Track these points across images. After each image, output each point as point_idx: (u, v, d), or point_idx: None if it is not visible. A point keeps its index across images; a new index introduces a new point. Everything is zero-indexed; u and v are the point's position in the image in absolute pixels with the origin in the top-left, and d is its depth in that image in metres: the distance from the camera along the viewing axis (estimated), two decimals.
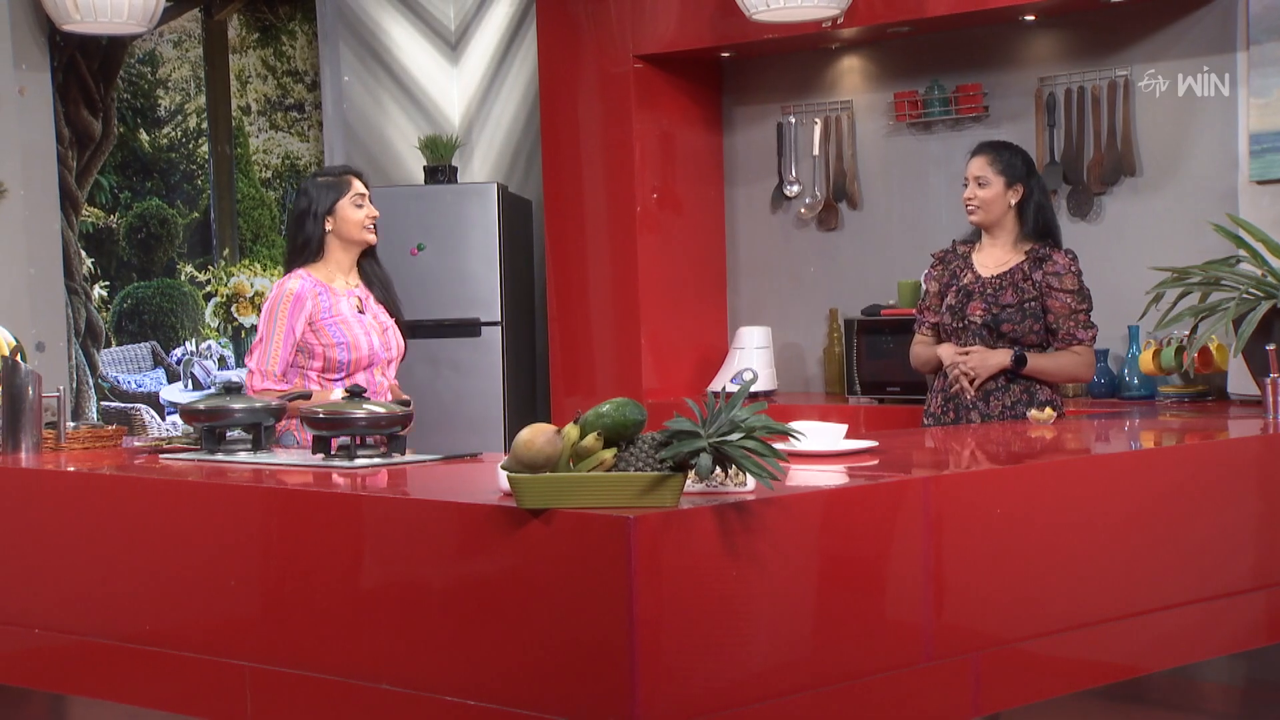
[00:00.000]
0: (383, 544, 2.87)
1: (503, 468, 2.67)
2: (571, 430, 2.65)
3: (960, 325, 4.56)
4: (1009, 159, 4.59)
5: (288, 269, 4.43)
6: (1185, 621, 3.57)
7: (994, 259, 4.60)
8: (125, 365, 6.87)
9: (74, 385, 6.67)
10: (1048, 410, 4.25)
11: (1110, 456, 3.75)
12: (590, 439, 2.62)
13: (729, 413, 2.58)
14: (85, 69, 6.74)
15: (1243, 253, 4.39)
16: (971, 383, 4.47)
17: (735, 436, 2.57)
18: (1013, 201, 4.57)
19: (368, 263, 4.47)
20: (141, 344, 6.90)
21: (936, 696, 3.02)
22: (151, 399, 6.95)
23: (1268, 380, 4.10)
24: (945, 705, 3.07)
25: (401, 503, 2.95)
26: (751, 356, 6.14)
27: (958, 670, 3.04)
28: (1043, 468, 3.48)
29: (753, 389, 6.06)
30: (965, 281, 4.58)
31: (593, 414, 2.64)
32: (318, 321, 4.27)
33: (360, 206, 4.40)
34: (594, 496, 2.59)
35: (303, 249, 4.40)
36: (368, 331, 4.36)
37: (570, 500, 2.59)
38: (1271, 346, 4.12)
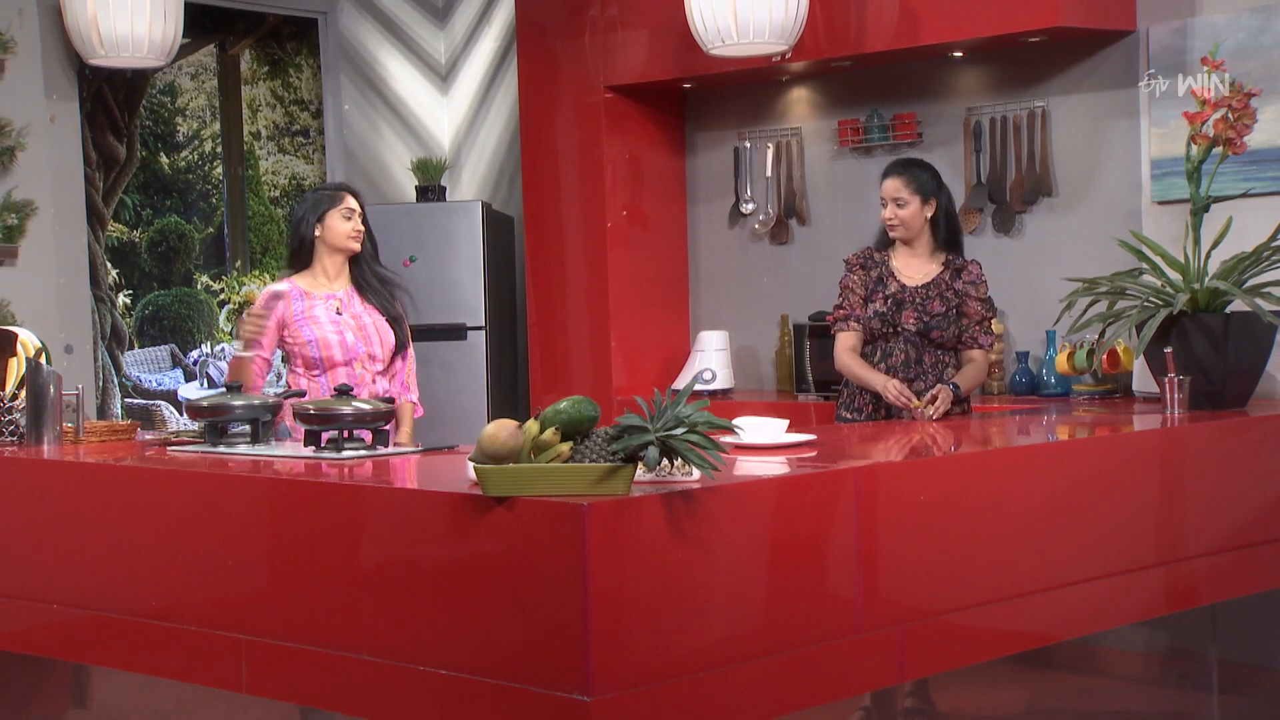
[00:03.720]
0: (363, 529, 2.84)
1: (470, 460, 2.65)
2: (532, 425, 2.63)
3: (891, 331, 4.46)
4: (921, 177, 4.51)
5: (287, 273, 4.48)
6: (1093, 595, 3.58)
7: (915, 269, 4.53)
8: (147, 366, 6.84)
9: (100, 384, 6.62)
10: (930, 408, 4.22)
11: (1026, 448, 3.74)
12: (549, 433, 2.61)
13: (674, 409, 2.57)
14: (111, 99, 6.70)
15: (1145, 265, 4.39)
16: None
17: (680, 431, 2.56)
18: (928, 215, 4.50)
19: (359, 269, 4.44)
20: (161, 347, 6.87)
21: (867, 664, 3.01)
22: (170, 396, 6.91)
23: (1166, 379, 4.10)
24: (875, 672, 3.06)
25: (380, 491, 2.93)
26: (711, 358, 6.13)
27: (886, 640, 3.03)
28: (963, 459, 3.48)
29: (711, 387, 6.06)
30: (892, 290, 4.48)
31: (551, 410, 2.63)
32: (290, 324, 4.30)
33: (348, 219, 4.37)
34: (552, 485, 2.57)
35: (296, 252, 4.41)
36: (340, 330, 4.32)
37: (531, 489, 2.57)
38: (1169, 349, 4.12)
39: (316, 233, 4.35)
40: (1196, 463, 3.95)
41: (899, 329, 4.45)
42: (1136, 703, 4.58)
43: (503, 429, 2.59)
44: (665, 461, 2.65)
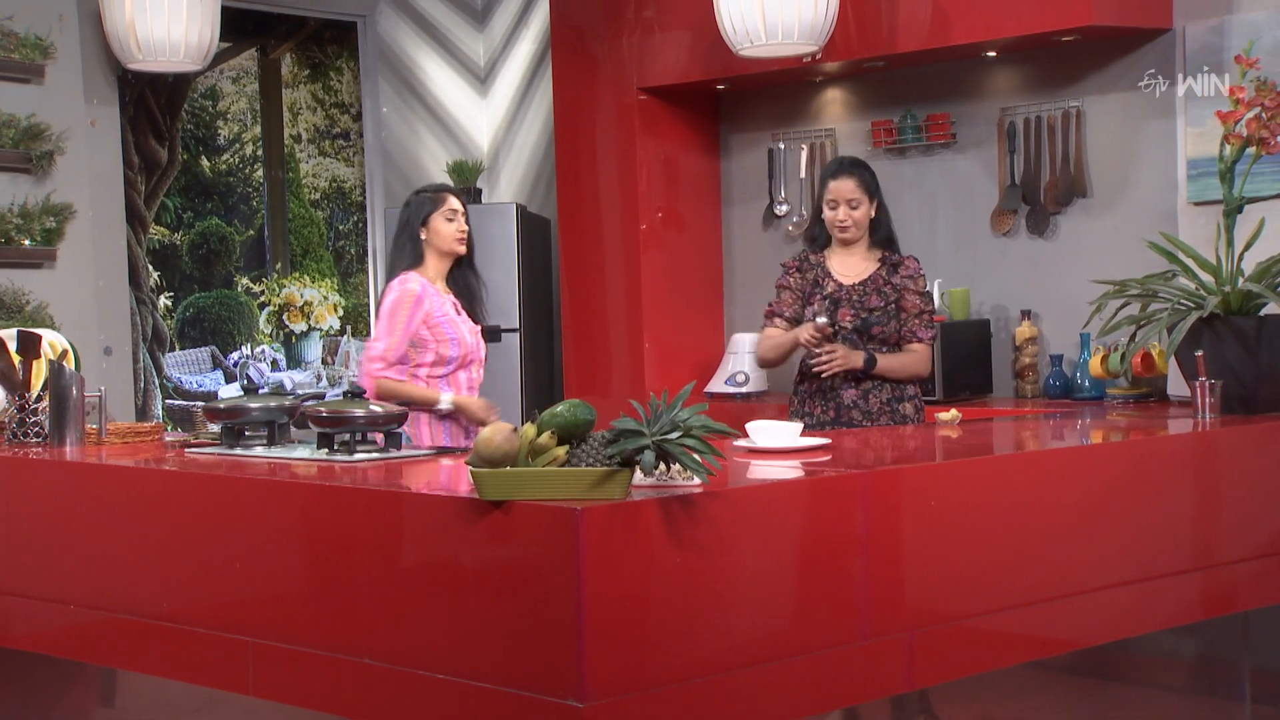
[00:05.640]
0: (363, 532, 2.84)
1: (468, 463, 2.64)
2: (529, 429, 2.61)
3: (832, 332, 4.40)
4: (870, 178, 4.47)
5: (391, 275, 4.38)
6: (1120, 600, 3.51)
7: (851, 267, 4.49)
8: (187, 367, 6.89)
9: (142, 386, 6.68)
10: (953, 411, 4.19)
11: (1042, 452, 3.68)
12: (545, 437, 2.59)
13: (670, 414, 2.54)
14: (153, 103, 6.76)
15: (1176, 268, 4.32)
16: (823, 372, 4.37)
17: (675, 435, 2.53)
18: (871, 215, 4.48)
19: (458, 272, 4.42)
20: (202, 348, 6.92)
21: (874, 671, 2.96)
22: (211, 398, 6.96)
23: (1197, 383, 4.02)
24: (882, 678, 3.01)
25: (378, 494, 2.91)
26: (744, 360, 6.09)
27: (893, 647, 2.98)
28: (974, 464, 3.41)
29: (745, 390, 6.03)
30: (829, 290, 4.45)
31: (548, 414, 2.61)
32: (433, 319, 4.24)
33: (451, 220, 4.34)
34: (548, 489, 2.55)
35: (401, 256, 4.35)
36: (471, 331, 4.34)
37: (527, 493, 2.56)
38: (1199, 352, 4.05)
39: (423, 236, 4.33)
40: (1228, 467, 3.87)
41: (838, 328, 4.41)
42: (1167, 711, 4.50)
43: (498, 433, 2.58)
44: (666, 466, 2.61)
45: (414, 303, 4.23)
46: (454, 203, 4.37)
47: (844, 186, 4.45)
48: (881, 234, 4.50)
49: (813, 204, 4.63)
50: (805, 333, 4.35)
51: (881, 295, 4.40)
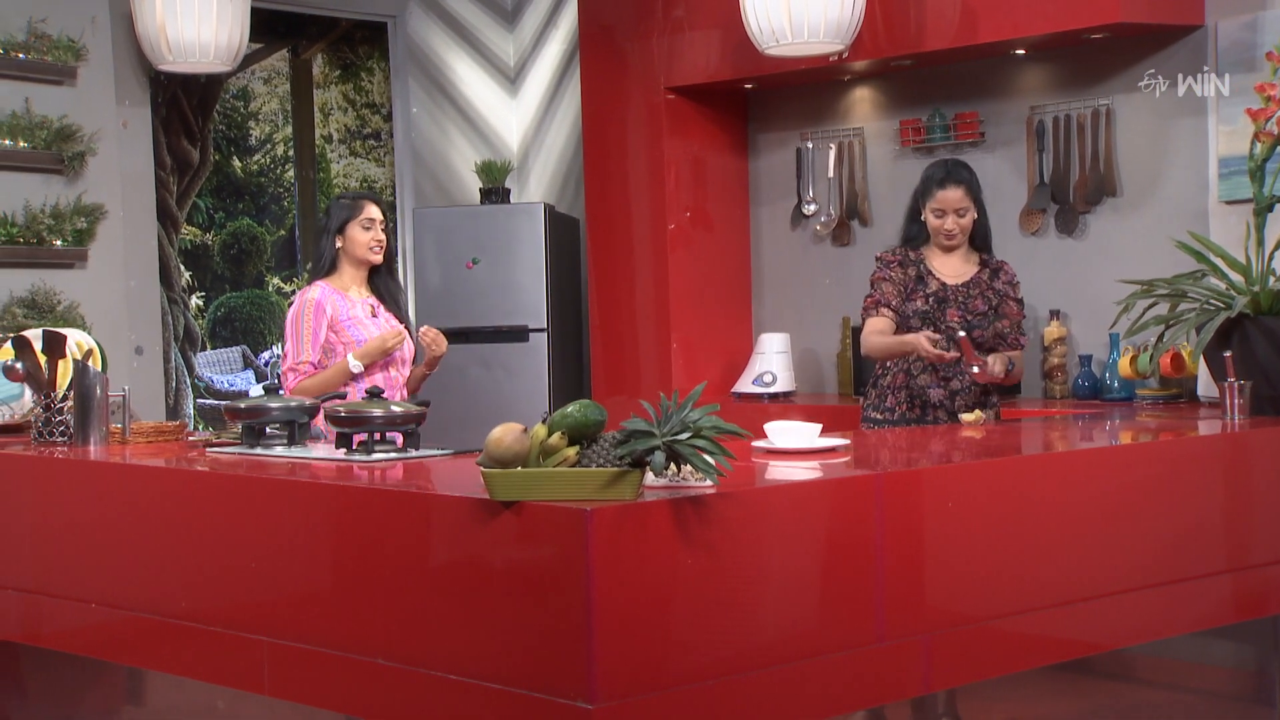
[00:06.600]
0: (374, 532, 2.83)
1: (479, 464, 2.63)
2: (540, 429, 2.60)
3: (932, 330, 4.34)
4: (977, 184, 4.41)
5: (310, 280, 4.46)
6: (1143, 603, 3.47)
7: (953, 269, 4.44)
8: (219, 367, 6.93)
9: (173, 385, 6.72)
10: (976, 412, 4.16)
11: (1061, 454, 3.64)
12: (556, 437, 2.58)
13: (680, 414, 2.53)
14: (185, 103, 6.80)
15: (1205, 268, 4.26)
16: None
17: (685, 436, 2.51)
18: (975, 219, 4.44)
19: (378, 279, 4.45)
20: (233, 348, 6.96)
21: (889, 674, 2.93)
22: (241, 397, 7.00)
23: (1225, 384, 3.97)
24: (898, 681, 2.98)
25: (392, 495, 2.91)
26: (772, 360, 6.07)
27: (909, 650, 2.95)
28: (990, 465, 3.37)
29: (773, 390, 6.00)
30: (934, 289, 4.38)
31: (559, 415, 2.60)
32: (337, 323, 4.30)
33: (368, 230, 4.36)
34: (559, 490, 2.54)
35: (319, 261, 4.42)
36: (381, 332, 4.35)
37: (538, 493, 2.54)
38: (1227, 353, 3.99)
39: (338, 244, 4.37)
40: (1258, 469, 3.82)
41: (942, 328, 4.36)
42: (1196, 715, 4.45)
43: (508, 433, 2.56)
44: (678, 467, 2.59)
45: (315, 310, 4.31)
46: (372, 211, 4.38)
47: (952, 196, 4.36)
48: (981, 236, 4.45)
49: (910, 203, 4.54)
50: (926, 346, 4.22)
51: (985, 300, 4.36)
